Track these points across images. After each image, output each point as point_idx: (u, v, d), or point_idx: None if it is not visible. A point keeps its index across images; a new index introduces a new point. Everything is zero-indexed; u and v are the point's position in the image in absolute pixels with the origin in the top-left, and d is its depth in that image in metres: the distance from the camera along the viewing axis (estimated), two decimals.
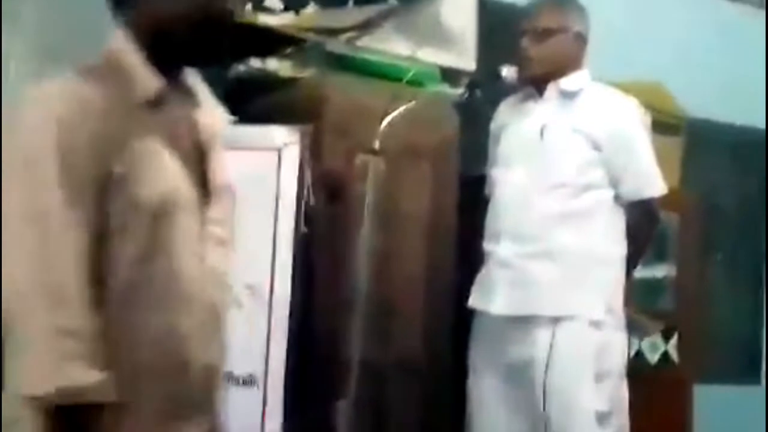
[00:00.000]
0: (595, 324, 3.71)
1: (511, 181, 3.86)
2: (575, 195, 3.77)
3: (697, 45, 5.99)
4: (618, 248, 3.83)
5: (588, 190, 3.78)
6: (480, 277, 3.92)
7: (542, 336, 3.71)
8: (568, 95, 3.86)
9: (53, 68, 2.32)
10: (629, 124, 3.86)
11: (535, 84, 3.90)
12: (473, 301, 3.91)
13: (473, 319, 3.94)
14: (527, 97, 3.93)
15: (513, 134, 3.93)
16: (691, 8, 6.07)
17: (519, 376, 3.76)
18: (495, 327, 3.83)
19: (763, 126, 6.00)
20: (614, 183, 3.80)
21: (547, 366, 3.67)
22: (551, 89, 3.87)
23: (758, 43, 6.10)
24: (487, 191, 3.99)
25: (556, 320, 3.72)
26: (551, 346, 3.68)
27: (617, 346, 3.81)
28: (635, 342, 4.63)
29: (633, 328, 3.95)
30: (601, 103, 3.87)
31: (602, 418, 3.71)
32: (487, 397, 3.84)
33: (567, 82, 3.85)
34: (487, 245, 3.89)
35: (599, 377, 3.71)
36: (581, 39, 3.90)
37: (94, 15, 2.57)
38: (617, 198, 3.82)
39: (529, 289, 3.77)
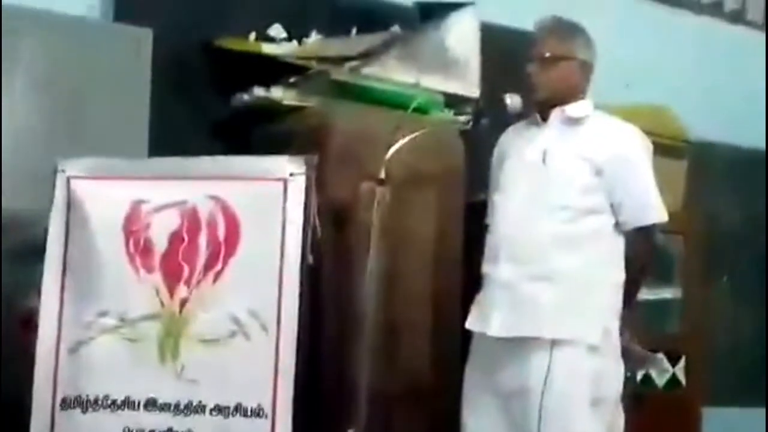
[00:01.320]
0: (593, 349, 3.70)
1: (511, 204, 3.86)
2: (575, 219, 3.77)
3: (701, 68, 6.00)
4: (616, 274, 3.82)
5: (588, 215, 3.79)
6: (478, 299, 3.92)
7: (539, 361, 3.71)
8: (571, 122, 3.87)
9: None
10: (630, 151, 3.87)
11: (540, 110, 3.91)
12: (470, 323, 3.90)
13: (470, 345, 3.93)
14: (531, 124, 3.94)
15: (515, 159, 3.93)
16: (695, 32, 6.09)
17: (515, 402, 3.75)
18: (490, 350, 3.82)
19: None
20: (615, 209, 3.81)
21: (543, 392, 3.67)
22: (555, 115, 3.88)
23: (762, 65, 6.11)
24: (488, 217, 3.99)
25: (553, 345, 3.71)
26: (548, 371, 3.68)
27: (613, 372, 3.80)
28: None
29: (627, 358, 3.92)
30: (603, 130, 3.88)
31: None
32: (480, 422, 3.83)
33: (571, 109, 3.87)
34: (486, 267, 3.89)
35: (595, 403, 3.71)
36: (587, 67, 3.91)
37: None
38: (618, 224, 3.83)
39: (527, 311, 3.76)
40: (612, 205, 3.81)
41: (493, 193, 3.99)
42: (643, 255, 3.90)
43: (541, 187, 3.81)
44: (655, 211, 3.87)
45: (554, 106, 3.88)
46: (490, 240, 3.90)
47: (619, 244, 3.84)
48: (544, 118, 3.89)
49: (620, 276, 3.82)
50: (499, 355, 3.79)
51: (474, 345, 3.91)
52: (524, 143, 3.92)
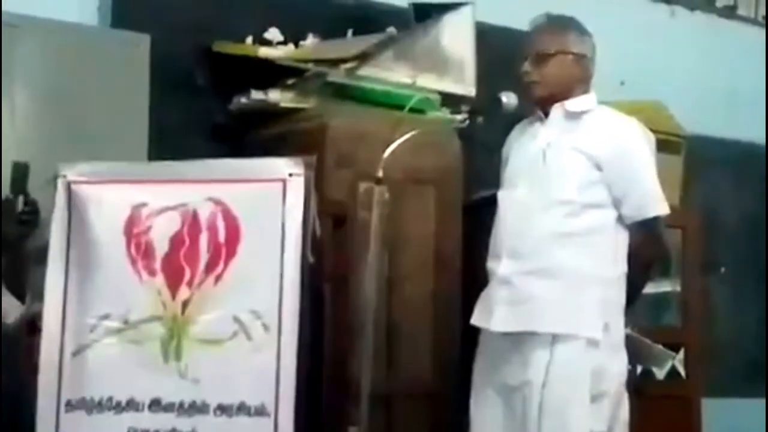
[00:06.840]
0: (593, 343, 3.72)
1: (513, 200, 3.88)
2: (576, 214, 3.78)
3: (694, 64, 6.03)
4: (617, 268, 3.83)
5: (589, 210, 3.79)
6: (482, 295, 3.94)
7: (540, 356, 3.72)
8: (572, 116, 3.88)
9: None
10: (630, 145, 3.87)
11: (542, 107, 3.92)
12: (474, 319, 3.92)
13: (478, 339, 3.96)
14: (534, 120, 3.95)
15: (518, 156, 3.95)
16: (688, 28, 6.12)
17: (516, 396, 3.77)
18: (495, 345, 3.85)
19: (763, 141, 6.05)
20: (617, 203, 3.82)
21: (543, 387, 3.69)
22: (556, 111, 3.89)
23: (757, 59, 6.15)
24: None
25: (554, 340, 3.72)
26: (548, 366, 3.70)
27: (614, 367, 3.81)
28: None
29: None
30: (603, 124, 3.88)
31: None
32: (485, 416, 3.86)
33: (572, 104, 3.87)
34: (490, 264, 3.91)
35: (596, 398, 3.72)
36: (584, 61, 3.91)
37: None
38: (621, 218, 3.84)
39: (527, 306, 3.77)
40: (614, 199, 3.82)
41: (500, 189, 4.00)
42: (647, 249, 3.90)
43: (541, 182, 3.82)
44: (657, 204, 3.86)
45: (555, 102, 3.89)
46: (493, 238, 3.92)
47: (621, 239, 3.84)
48: (546, 114, 3.91)
49: (621, 270, 3.82)
50: (502, 350, 3.81)
51: (481, 340, 3.92)
52: (527, 140, 3.93)
